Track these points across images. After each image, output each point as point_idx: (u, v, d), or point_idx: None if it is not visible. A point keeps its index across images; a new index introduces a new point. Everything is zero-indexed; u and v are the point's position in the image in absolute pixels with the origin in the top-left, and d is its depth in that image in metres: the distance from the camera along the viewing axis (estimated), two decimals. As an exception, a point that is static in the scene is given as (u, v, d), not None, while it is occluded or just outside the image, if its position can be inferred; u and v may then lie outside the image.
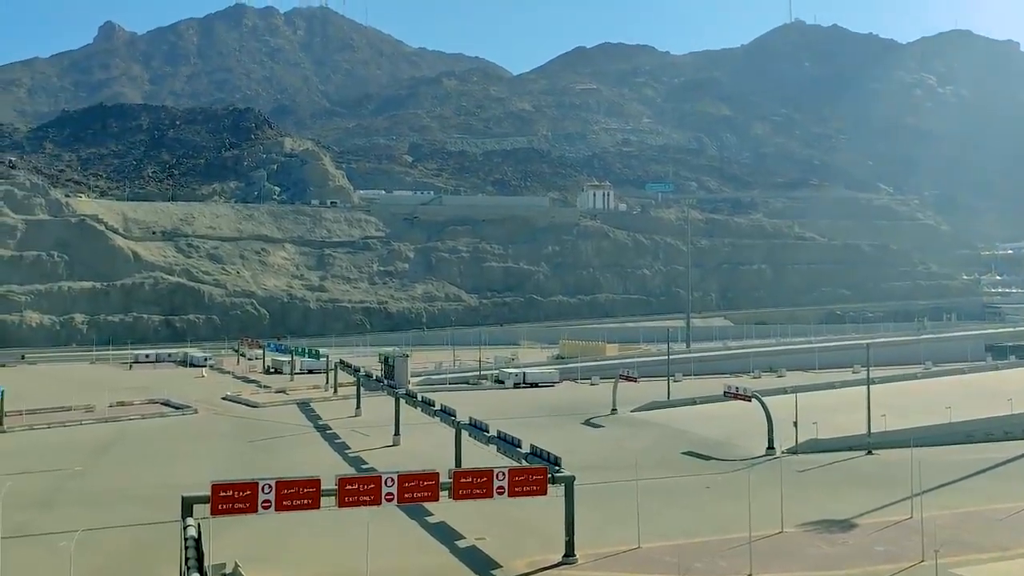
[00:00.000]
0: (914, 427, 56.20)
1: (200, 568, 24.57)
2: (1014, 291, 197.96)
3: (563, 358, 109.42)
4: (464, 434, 45.59)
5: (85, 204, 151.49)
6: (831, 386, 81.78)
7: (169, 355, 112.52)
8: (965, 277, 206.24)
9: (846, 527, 36.61)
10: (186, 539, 25.69)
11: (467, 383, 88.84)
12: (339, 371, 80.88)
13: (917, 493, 37.80)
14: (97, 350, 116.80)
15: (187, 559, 24.59)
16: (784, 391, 71.07)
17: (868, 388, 55.87)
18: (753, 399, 56.95)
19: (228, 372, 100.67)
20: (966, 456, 51.51)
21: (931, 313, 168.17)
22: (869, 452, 53.00)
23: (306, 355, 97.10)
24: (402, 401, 58.41)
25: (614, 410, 69.19)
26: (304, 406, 73.55)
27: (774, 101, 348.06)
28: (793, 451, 52.74)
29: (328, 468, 39.96)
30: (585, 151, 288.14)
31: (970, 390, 78.60)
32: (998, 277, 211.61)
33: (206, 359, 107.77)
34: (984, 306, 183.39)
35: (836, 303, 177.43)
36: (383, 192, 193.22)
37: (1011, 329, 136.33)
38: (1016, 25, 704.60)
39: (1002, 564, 31.59)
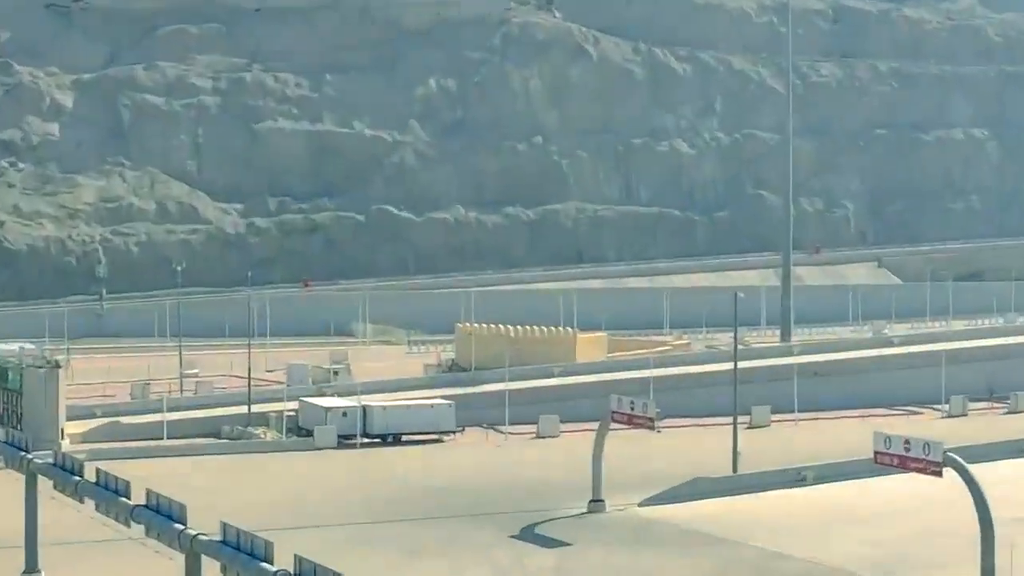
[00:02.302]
0: None
1: None
2: None
3: (461, 368, 70.96)
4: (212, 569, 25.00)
5: None
6: None
7: None
8: None
9: None
10: None
11: (217, 437, 54.35)
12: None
13: None
14: None
15: None
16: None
17: None
18: (948, 469, 32.94)
19: None
20: None
21: None
22: None
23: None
24: (43, 483, 34.50)
25: (597, 501, 41.80)
26: None
27: None
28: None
29: None
30: None
31: None
32: None
33: None
34: None
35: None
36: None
37: None
38: None
39: None
